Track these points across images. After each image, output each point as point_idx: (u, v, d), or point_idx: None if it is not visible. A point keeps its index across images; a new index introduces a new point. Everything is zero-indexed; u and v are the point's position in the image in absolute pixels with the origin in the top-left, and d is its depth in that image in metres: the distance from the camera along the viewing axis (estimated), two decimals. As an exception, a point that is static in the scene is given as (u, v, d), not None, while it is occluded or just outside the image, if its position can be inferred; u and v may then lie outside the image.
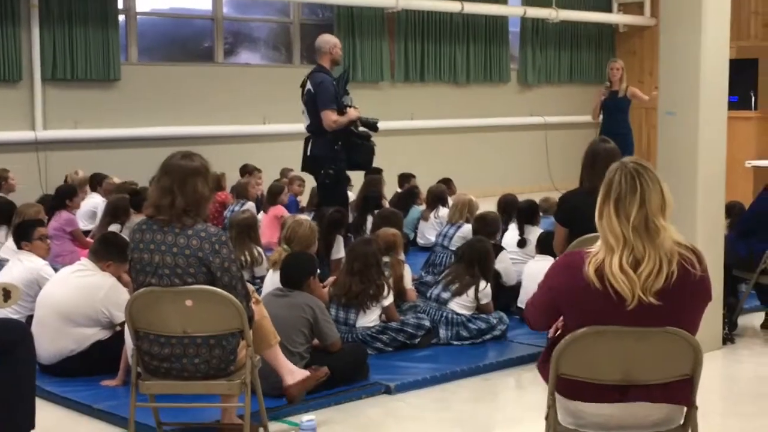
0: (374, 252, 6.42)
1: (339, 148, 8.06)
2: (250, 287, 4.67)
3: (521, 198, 9.02)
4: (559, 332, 3.61)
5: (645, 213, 3.35)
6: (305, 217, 7.12)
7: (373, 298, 6.28)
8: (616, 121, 11.63)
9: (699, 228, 6.40)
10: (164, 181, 4.36)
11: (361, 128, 8.28)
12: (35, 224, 7.12)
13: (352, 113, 8.14)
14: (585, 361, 3.41)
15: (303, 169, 8.84)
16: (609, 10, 18.03)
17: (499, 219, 8.09)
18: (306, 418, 4.60)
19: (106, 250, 5.96)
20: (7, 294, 5.25)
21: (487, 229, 7.70)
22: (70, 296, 5.83)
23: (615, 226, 3.35)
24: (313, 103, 8.08)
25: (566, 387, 3.47)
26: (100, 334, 5.84)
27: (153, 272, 4.32)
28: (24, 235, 6.87)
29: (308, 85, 8.15)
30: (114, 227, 8.66)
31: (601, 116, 11.77)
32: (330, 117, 7.99)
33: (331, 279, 6.82)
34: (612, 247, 3.34)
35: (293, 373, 5.07)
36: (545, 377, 3.55)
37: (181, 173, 4.36)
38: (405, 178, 11.98)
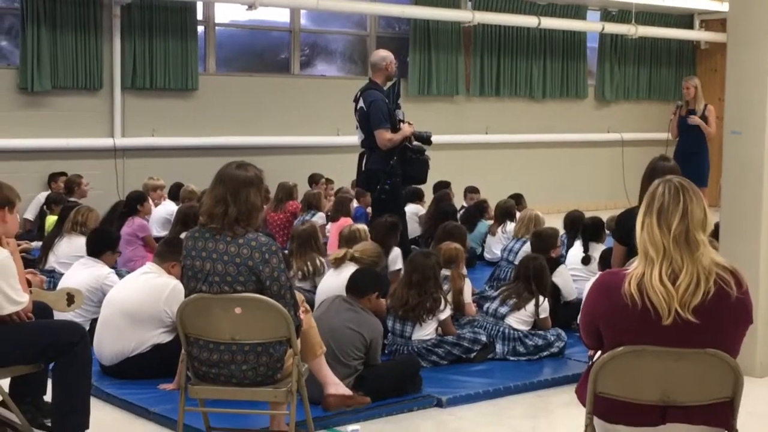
0: (433, 265, 6.45)
1: (394, 163, 8.08)
2: (300, 296, 4.73)
3: (594, 215, 8.95)
4: (596, 358, 3.59)
5: (686, 225, 3.34)
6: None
7: (429, 311, 6.31)
8: (692, 139, 11.45)
9: (764, 246, 6.30)
10: (218, 190, 4.45)
11: (415, 142, 8.30)
12: (116, 240, 7.32)
13: (406, 129, 8.17)
14: (623, 380, 3.40)
15: (358, 184, 8.88)
16: (690, 26, 17.78)
17: (557, 234, 8.05)
18: (351, 428, 4.64)
19: (170, 251, 6.09)
20: (70, 299, 5.41)
21: (544, 244, 7.67)
22: (136, 296, 6.00)
23: (656, 237, 3.35)
24: (367, 121, 8.12)
25: (605, 409, 3.46)
26: (162, 337, 5.96)
27: (204, 279, 4.41)
28: (111, 246, 7.08)
29: (361, 103, 8.17)
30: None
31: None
32: (384, 136, 8.04)
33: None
34: (652, 259, 3.34)
35: (337, 386, 5.12)
36: (583, 400, 3.54)
37: (235, 183, 4.44)
38: (469, 192, 11.99)
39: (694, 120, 11.37)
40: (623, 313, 3.35)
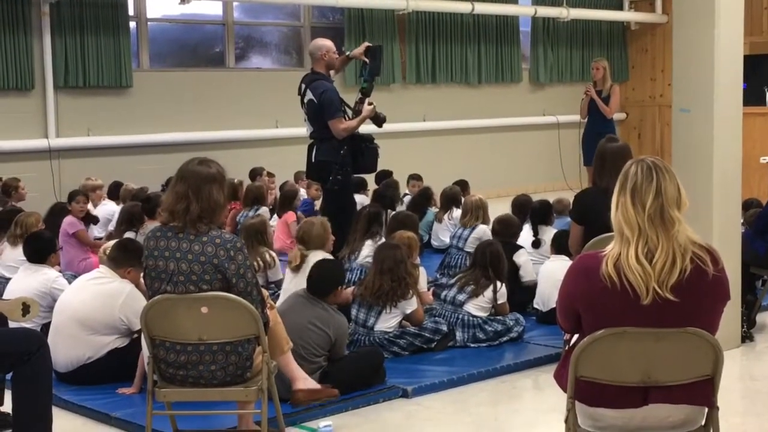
0: (402, 253, 6.44)
1: (345, 153, 7.93)
2: (265, 293, 4.66)
3: (535, 198, 8.99)
4: (574, 341, 3.58)
5: (660, 203, 3.35)
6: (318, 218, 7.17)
7: (401, 296, 6.26)
8: (598, 120, 11.66)
9: (715, 225, 6.36)
10: (180, 187, 4.34)
11: (366, 131, 8.18)
12: (53, 240, 7.13)
13: (367, 110, 8.00)
14: (604, 363, 3.39)
15: (308, 176, 8.72)
16: (620, 7, 17.94)
17: (518, 221, 8.05)
18: (323, 423, 4.59)
19: (126, 257, 5.92)
20: (26, 309, 5.24)
21: (508, 231, 7.70)
22: (88, 303, 5.82)
23: (630, 215, 3.35)
24: (317, 112, 7.93)
25: (587, 393, 3.44)
26: (117, 342, 5.82)
27: (168, 279, 4.31)
28: (51, 248, 6.90)
29: (309, 95, 7.97)
30: (129, 234, 8.64)
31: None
32: (339, 126, 7.85)
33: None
34: (627, 238, 3.34)
35: (305, 381, 5.04)
36: (563, 385, 3.52)
37: (197, 179, 4.34)
38: (412, 179, 11.96)
39: (591, 93, 11.76)
40: (602, 295, 3.35)
